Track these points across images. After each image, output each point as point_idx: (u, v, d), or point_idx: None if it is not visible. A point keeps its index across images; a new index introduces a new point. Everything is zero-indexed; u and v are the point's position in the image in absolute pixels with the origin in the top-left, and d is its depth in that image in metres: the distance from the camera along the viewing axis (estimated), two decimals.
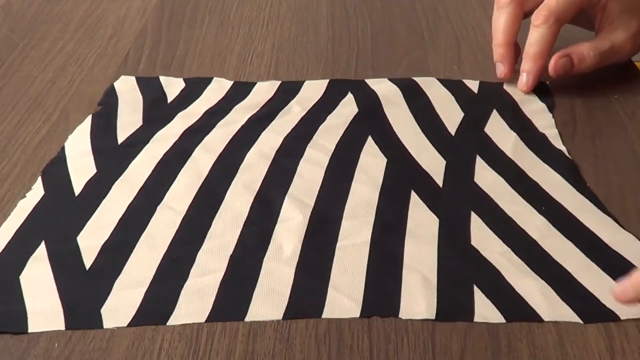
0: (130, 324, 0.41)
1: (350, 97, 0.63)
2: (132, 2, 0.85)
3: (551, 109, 0.62)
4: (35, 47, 0.74)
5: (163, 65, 0.70)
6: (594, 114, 0.61)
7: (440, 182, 0.53)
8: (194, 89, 0.65)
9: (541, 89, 0.64)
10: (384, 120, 0.60)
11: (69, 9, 0.83)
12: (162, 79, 0.67)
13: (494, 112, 0.61)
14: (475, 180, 0.53)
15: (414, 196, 0.51)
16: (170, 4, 0.84)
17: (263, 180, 0.53)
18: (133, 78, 0.67)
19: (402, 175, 0.54)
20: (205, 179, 0.53)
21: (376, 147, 0.57)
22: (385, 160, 0.55)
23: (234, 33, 0.77)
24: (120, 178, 0.53)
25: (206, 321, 0.41)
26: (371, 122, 0.60)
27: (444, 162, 0.55)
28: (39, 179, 0.53)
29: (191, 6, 0.83)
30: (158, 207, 0.50)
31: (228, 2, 0.84)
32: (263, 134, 0.58)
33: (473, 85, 0.65)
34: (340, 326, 0.41)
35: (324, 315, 0.42)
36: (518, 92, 0.64)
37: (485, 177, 0.54)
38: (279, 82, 0.66)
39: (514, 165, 0.55)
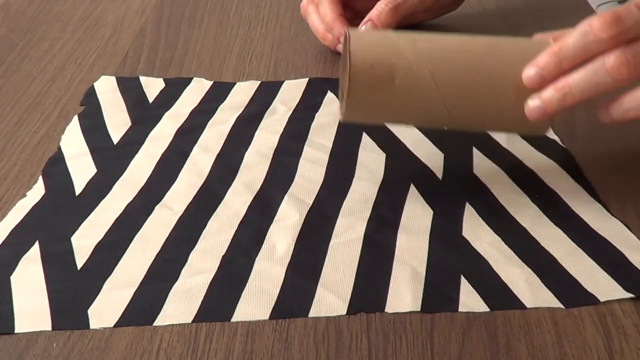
0: (116, 325, 0.41)
1: (331, 95, 0.64)
2: (131, 2, 0.85)
3: None
4: (35, 47, 0.74)
5: (162, 65, 0.70)
6: (593, 114, 0.61)
7: (440, 175, 0.53)
8: (174, 89, 0.65)
9: None
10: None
11: (68, 9, 0.84)
12: (142, 79, 0.67)
13: None
14: (475, 171, 0.54)
15: (412, 189, 0.52)
16: (169, 4, 0.84)
17: (264, 180, 0.53)
18: (113, 78, 0.67)
19: (403, 170, 0.54)
20: (206, 179, 0.53)
21: (373, 142, 0.57)
22: (384, 155, 0.56)
23: (233, 33, 0.77)
24: (122, 178, 0.53)
25: (193, 322, 0.41)
26: None
27: (442, 155, 0.56)
28: (40, 179, 0.53)
29: (190, 6, 0.83)
30: (156, 207, 0.50)
31: (227, 2, 0.85)
32: (257, 133, 0.59)
33: None
34: (339, 326, 0.41)
35: (310, 314, 0.42)
36: None
37: (484, 168, 0.54)
38: (259, 82, 0.66)
39: (510, 155, 0.56)
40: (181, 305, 0.42)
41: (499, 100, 0.47)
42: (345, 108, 0.48)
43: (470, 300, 0.42)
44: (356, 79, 0.46)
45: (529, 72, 0.46)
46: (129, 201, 0.51)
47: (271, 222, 0.49)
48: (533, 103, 0.46)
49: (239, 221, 0.49)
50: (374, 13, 0.67)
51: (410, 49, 0.47)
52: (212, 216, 0.49)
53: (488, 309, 0.42)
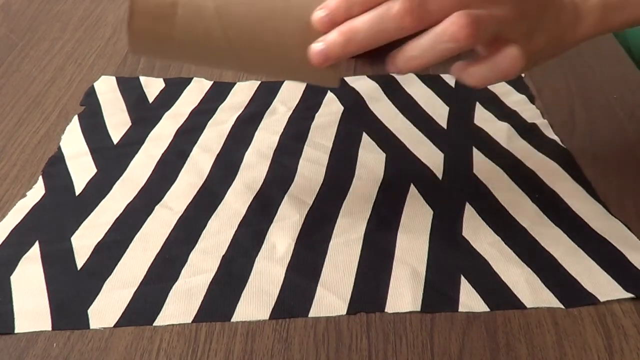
0: (116, 325, 0.41)
1: (330, 95, 0.64)
2: None
3: (532, 100, 0.63)
4: (35, 47, 0.74)
5: (162, 65, 0.70)
6: (593, 114, 0.61)
7: (440, 175, 0.53)
8: (174, 89, 0.65)
9: (516, 81, 0.65)
10: (373, 116, 0.61)
11: (68, 9, 0.84)
12: (142, 79, 0.67)
13: (477, 104, 0.62)
14: (475, 171, 0.54)
15: (412, 189, 0.52)
16: None
17: (264, 180, 0.53)
18: (113, 78, 0.67)
19: (403, 170, 0.54)
20: (206, 179, 0.53)
21: (373, 142, 0.57)
22: (384, 155, 0.56)
23: None
24: (122, 178, 0.53)
25: (193, 322, 0.41)
26: (361, 118, 0.61)
27: (441, 155, 0.56)
28: (40, 179, 0.53)
29: None
30: (156, 207, 0.50)
31: None
32: (257, 133, 0.59)
33: (450, 79, 0.66)
34: (339, 326, 0.41)
35: (310, 314, 0.42)
36: (496, 85, 0.65)
37: (484, 168, 0.54)
38: (259, 82, 0.66)
39: (510, 155, 0.56)
40: (181, 305, 0.42)
41: (287, 42, 0.44)
42: (129, 37, 0.45)
43: (470, 300, 0.42)
44: (137, 5, 0.44)
45: (319, 14, 0.44)
46: (129, 201, 0.51)
47: (271, 222, 0.49)
48: (316, 46, 0.43)
49: (239, 221, 0.49)
50: None
51: None
52: (212, 216, 0.49)
53: (488, 309, 0.42)
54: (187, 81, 0.67)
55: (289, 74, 0.48)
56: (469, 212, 0.50)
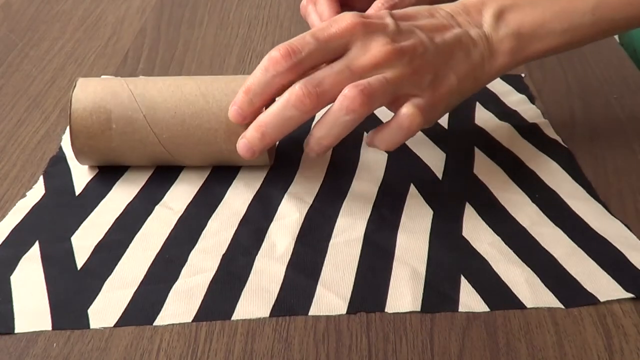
0: (116, 325, 0.41)
1: None
2: (131, 2, 0.85)
3: (532, 100, 0.63)
4: (35, 47, 0.74)
5: (162, 65, 0.70)
6: (593, 114, 0.61)
7: (440, 175, 0.53)
8: None
9: (516, 81, 0.65)
10: (373, 116, 0.60)
11: (69, 9, 0.84)
12: None
13: (477, 104, 0.62)
14: (475, 171, 0.54)
15: (412, 189, 0.52)
16: (169, 4, 0.84)
17: (265, 179, 0.53)
18: None
19: (403, 170, 0.54)
20: (206, 178, 0.53)
21: None
22: (384, 155, 0.56)
23: (233, 33, 0.77)
24: (122, 178, 0.53)
25: (193, 321, 0.41)
26: None
27: (443, 154, 0.56)
28: (41, 179, 0.53)
29: (190, 6, 0.83)
30: (156, 207, 0.50)
31: (227, 2, 0.85)
32: None
33: None
34: (339, 326, 0.41)
35: (310, 313, 0.42)
36: (496, 85, 0.65)
37: (485, 168, 0.54)
38: None
39: (512, 155, 0.55)
40: (181, 304, 0.42)
41: (214, 136, 0.50)
42: (75, 154, 0.52)
43: (470, 300, 0.42)
44: (76, 126, 0.50)
45: (231, 109, 0.48)
46: (129, 201, 0.51)
47: (271, 220, 0.49)
48: (240, 142, 0.48)
49: (239, 220, 0.49)
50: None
51: (127, 94, 0.50)
52: (212, 215, 0.49)
53: (488, 309, 0.42)
54: None
55: (225, 162, 0.53)
56: (469, 212, 0.50)
